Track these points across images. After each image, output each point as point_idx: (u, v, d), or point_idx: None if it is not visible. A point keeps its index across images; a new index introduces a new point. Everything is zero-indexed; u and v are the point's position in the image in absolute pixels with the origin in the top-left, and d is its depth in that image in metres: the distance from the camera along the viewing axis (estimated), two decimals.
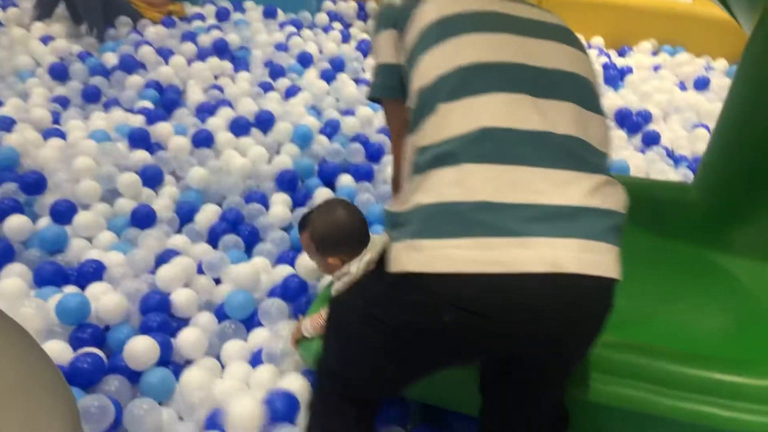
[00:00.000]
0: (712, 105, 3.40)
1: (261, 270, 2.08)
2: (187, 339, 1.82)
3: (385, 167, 2.72)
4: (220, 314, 1.94)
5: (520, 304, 1.02)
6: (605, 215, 1.08)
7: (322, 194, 2.51)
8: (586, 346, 1.17)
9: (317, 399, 1.36)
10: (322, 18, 4.08)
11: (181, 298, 1.95)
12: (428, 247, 1.03)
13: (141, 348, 1.73)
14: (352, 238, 1.57)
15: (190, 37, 3.58)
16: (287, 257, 2.18)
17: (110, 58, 3.31)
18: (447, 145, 1.08)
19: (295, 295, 1.98)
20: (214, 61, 3.35)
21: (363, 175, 2.70)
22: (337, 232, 1.56)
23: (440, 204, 1.05)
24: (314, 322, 1.62)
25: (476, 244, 1.00)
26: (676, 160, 2.97)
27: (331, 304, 1.34)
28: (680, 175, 2.76)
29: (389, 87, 1.34)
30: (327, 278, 1.94)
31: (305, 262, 1.99)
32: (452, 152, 1.07)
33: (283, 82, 3.29)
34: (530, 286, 1.01)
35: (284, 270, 2.10)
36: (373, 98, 1.43)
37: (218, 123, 2.82)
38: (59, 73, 3.17)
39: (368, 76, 3.55)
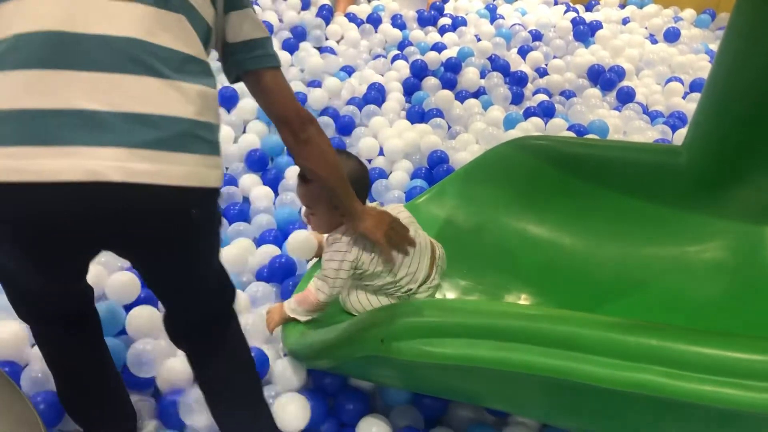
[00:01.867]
0: (683, 57, 3.35)
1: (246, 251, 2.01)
2: None
3: (358, 140, 2.62)
4: None
5: (57, 213, 1.01)
6: (165, 122, 1.04)
7: (294, 172, 2.42)
8: (180, 248, 1.17)
9: None
10: None
11: None
12: None
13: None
14: (365, 187, 1.58)
15: None
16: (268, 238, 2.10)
17: None
18: None
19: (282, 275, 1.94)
20: None
21: None
22: (354, 180, 1.49)
23: None
24: (299, 298, 1.57)
25: (5, 153, 0.97)
26: (652, 116, 2.91)
27: None
28: (658, 132, 2.71)
29: None
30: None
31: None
32: None
33: None
34: (65, 196, 0.98)
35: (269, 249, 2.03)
36: None
37: None
38: None
39: (332, 43, 3.40)
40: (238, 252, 1.96)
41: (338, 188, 1.43)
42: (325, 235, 1.63)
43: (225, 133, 2.50)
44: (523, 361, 1.18)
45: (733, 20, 1.54)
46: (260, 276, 1.96)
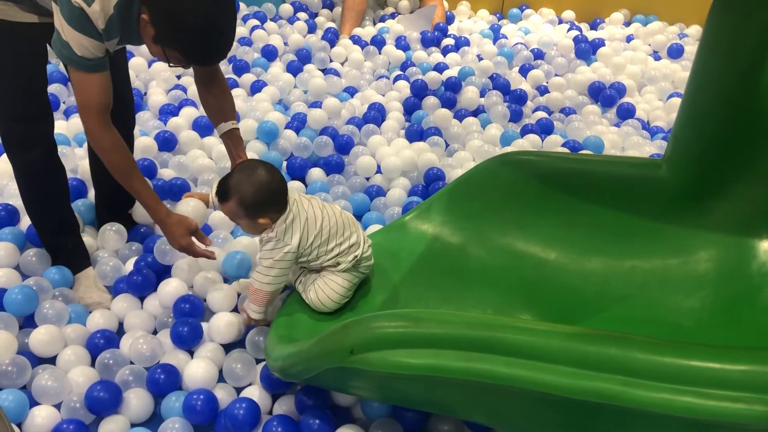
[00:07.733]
0: (686, 72, 3.34)
1: None
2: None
3: (356, 159, 2.65)
4: None
5: None
6: None
7: (293, 188, 2.46)
8: None
9: None
10: (286, 9, 3.98)
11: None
12: None
13: None
14: (279, 194, 1.64)
15: None
16: None
17: None
18: None
19: None
20: None
21: (333, 167, 2.64)
22: (266, 193, 1.61)
23: None
24: (251, 298, 1.70)
25: None
26: (652, 132, 2.91)
27: None
28: (656, 147, 2.71)
29: None
30: None
31: None
32: None
33: (248, 78, 3.20)
34: None
35: None
36: None
37: (181, 123, 2.74)
38: None
39: (336, 65, 3.46)
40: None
41: (127, 188, 1.71)
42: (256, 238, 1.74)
43: (224, 152, 2.55)
44: (485, 370, 1.19)
45: (705, 36, 1.55)
46: None
